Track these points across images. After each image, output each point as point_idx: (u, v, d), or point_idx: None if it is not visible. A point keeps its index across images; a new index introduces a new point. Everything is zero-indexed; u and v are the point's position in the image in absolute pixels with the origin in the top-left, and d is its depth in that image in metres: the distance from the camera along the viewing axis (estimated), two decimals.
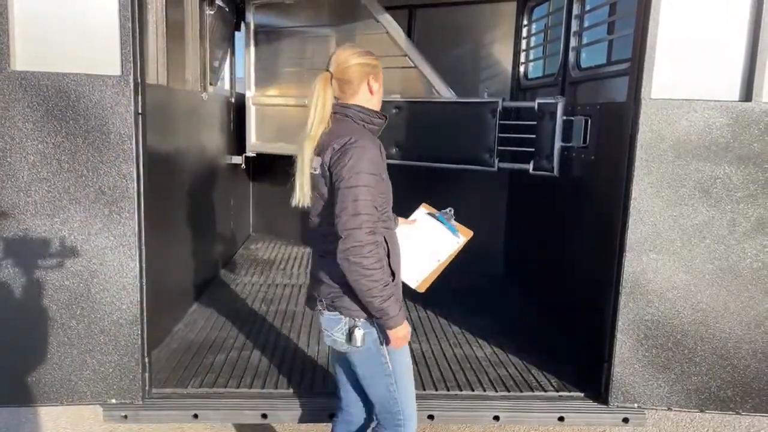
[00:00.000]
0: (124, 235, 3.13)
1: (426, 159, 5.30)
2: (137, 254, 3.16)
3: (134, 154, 3.07)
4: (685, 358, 3.36)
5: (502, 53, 6.14)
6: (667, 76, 3.18)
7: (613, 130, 3.67)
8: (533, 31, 5.81)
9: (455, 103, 5.15)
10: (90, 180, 3.08)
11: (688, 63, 3.17)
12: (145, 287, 3.22)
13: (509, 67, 6.10)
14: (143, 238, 3.18)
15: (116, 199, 3.10)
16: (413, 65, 5.34)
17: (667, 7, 3.11)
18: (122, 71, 3.02)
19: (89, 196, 3.09)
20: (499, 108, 4.85)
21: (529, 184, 5.28)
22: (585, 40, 4.56)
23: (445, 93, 5.23)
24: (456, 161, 5.13)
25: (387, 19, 5.46)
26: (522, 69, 5.91)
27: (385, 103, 5.48)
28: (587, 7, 4.52)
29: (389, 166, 5.74)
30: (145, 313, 3.25)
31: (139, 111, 3.08)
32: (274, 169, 7.29)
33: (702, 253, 3.27)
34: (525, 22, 5.82)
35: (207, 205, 5.44)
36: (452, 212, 2.94)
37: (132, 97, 3.03)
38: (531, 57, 5.84)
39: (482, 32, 6.19)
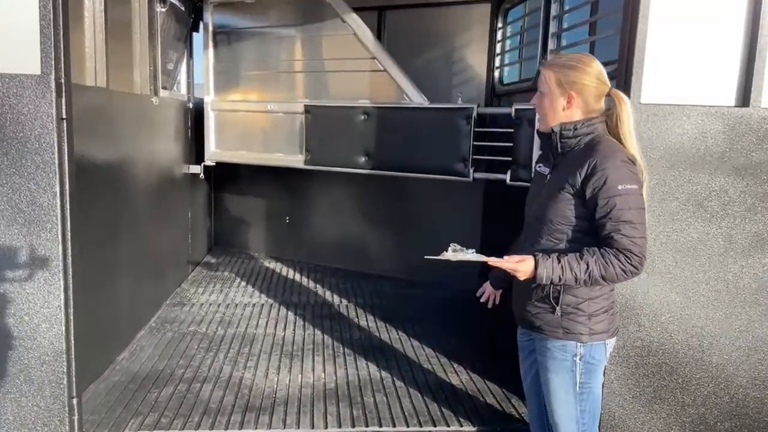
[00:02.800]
0: (46, 259, 2.70)
1: (397, 168, 4.97)
2: (62, 280, 2.73)
3: (57, 166, 2.66)
4: (679, 387, 3.06)
5: (475, 57, 5.84)
6: (657, 79, 2.89)
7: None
8: (508, 34, 5.54)
9: (427, 109, 4.83)
10: (5, 196, 2.65)
11: (680, 65, 2.89)
12: (72, 318, 2.80)
13: (483, 72, 5.81)
14: (70, 261, 2.76)
15: (36, 217, 2.68)
16: (382, 69, 5.01)
17: (658, 4, 2.83)
18: (42, 70, 2.61)
19: (5, 215, 2.66)
20: (474, 114, 4.55)
21: (506, 194, 4.96)
22: (564, 42, 4.28)
23: (416, 98, 4.91)
24: (428, 171, 4.81)
25: (354, 20, 5.13)
26: (497, 74, 5.63)
27: (352, 109, 5.21)
28: (566, 8, 4.25)
29: (357, 175, 5.45)
30: (72, 348, 2.83)
31: (63, 116, 2.67)
32: (238, 178, 6.91)
33: (696, 273, 2.98)
34: (500, 24, 5.54)
35: (158, 219, 5.00)
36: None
37: (54, 99, 2.62)
38: (506, 61, 5.56)
39: (455, 35, 5.89)
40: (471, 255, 2.23)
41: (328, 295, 5.64)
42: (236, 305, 5.22)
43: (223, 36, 5.99)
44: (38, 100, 2.60)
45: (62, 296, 2.74)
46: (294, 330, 4.66)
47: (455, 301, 5.58)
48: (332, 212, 6.58)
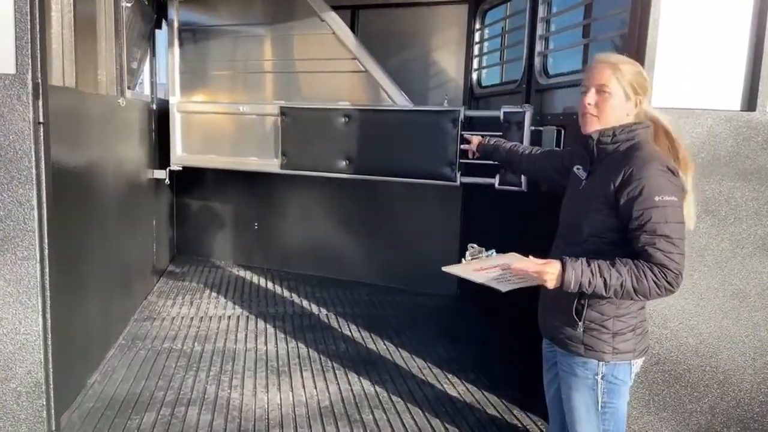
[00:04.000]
0: (22, 280, 2.42)
1: (379, 173, 4.81)
2: (39, 303, 2.46)
3: (34, 175, 2.39)
4: (686, 394, 3.03)
5: (451, 59, 5.74)
6: (667, 83, 2.85)
7: None
8: (486, 36, 5.47)
9: (412, 111, 4.70)
10: None
11: (689, 69, 2.86)
12: (50, 345, 2.52)
13: (458, 74, 5.72)
14: (47, 281, 2.48)
15: (11, 233, 2.39)
16: (363, 69, 4.84)
17: (667, 8, 2.79)
18: (17, 68, 2.33)
19: None
20: (461, 117, 4.44)
21: (488, 197, 4.86)
22: (552, 45, 4.23)
23: (400, 100, 4.77)
24: (413, 175, 4.67)
25: (333, 18, 4.94)
26: (475, 76, 5.55)
27: (332, 111, 5.02)
28: (554, 9, 4.20)
29: (329, 177, 5.25)
30: (51, 377, 2.55)
31: (41, 120, 2.40)
32: (202, 182, 6.60)
33: (705, 278, 2.96)
34: (477, 26, 5.47)
35: (125, 229, 4.68)
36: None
37: (30, 102, 2.35)
38: (485, 63, 5.49)
39: (431, 36, 5.77)
40: (492, 259, 2.05)
41: (305, 304, 5.43)
42: (210, 318, 4.94)
43: (189, 34, 5.68)
44: (13, 101, 2.33)
45: (40, 320, 2.47)
46: (276, 343, 4.43)
47: (437, 307, 5.48)
48: (303, 216, 6.37)
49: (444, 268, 2.14)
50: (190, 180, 6.43)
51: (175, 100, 5.70)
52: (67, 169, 3.22)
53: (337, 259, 6.25)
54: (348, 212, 6.14)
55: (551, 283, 2.02)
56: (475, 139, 3.17)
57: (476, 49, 5.51)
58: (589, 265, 2.01)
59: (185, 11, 5.64)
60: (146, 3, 5.23)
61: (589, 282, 1.99)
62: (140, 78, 5.60)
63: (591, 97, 2.17)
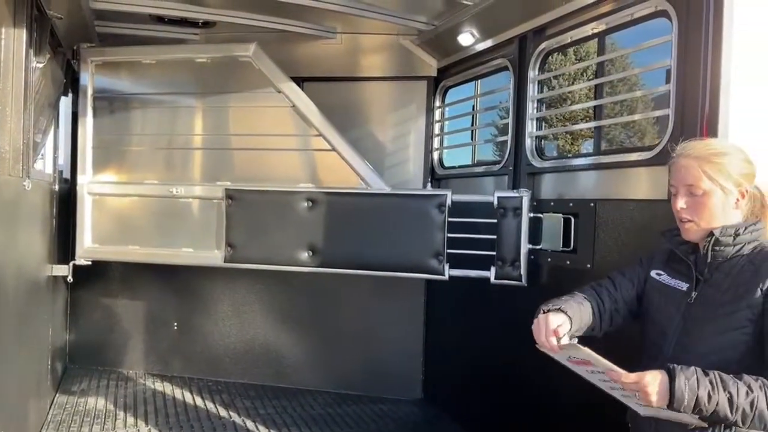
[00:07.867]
0: None
1: (350, 265, 4.13)
2: None
3: None
4: None
5: (407, 138, 5.29)
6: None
7: (631, 235, 2.98)
8: (449, 115, 5.13)
9: (391, 195, 4.12)
10: None
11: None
12: None
13: (416, 153, 5.26)
14: None
15: None
16: (330, 147, 4.23)
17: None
18: None
19: None
20: (449, 202, 3.93)
21: (458, 287, 4.24)
22: (544, 129, 3.91)
23: (375, 183, 4.18)
24: (392, 268, 4.05)
25: (292, 89, 4.33)
26: (436, 156, 5.14)
27: (292, 195, 4.26)
28: (545, 90, 3.90)
29: (288, 273, 4.48)
30: None
31: None
32: (104, 274, 5.45)
33: None
34: (438, 103, 5.11)
35: (13, 348, 3.53)
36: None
37: None
38: (449, 143, 5.11)
39: (385, 113, 5.30)
40: (581, 351, 1.76)
41: (250, 426, 4.46)
42: None
43: (104, 102, 4.77)
44: None
45: None
46: None
47: (405, 418, 4.77)
48: (234, 313, 5.46)
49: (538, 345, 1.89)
50: (89, 269, 5.26)
51: (85, 180, 4.68)
52: None
53: (277, 363, 5.36)
54: (289, 306, 5.34)
55: (656, 396, 1.61)
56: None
57: (437, 128, 5.12)
58: (706, 375, 1.62)
59: (102, 76, 4.75)
60: (58, 65, 4.32)
61: (709, 396, 1.58)
62: (41, 153, 4.57)
63: (682, 201, 1.88)
